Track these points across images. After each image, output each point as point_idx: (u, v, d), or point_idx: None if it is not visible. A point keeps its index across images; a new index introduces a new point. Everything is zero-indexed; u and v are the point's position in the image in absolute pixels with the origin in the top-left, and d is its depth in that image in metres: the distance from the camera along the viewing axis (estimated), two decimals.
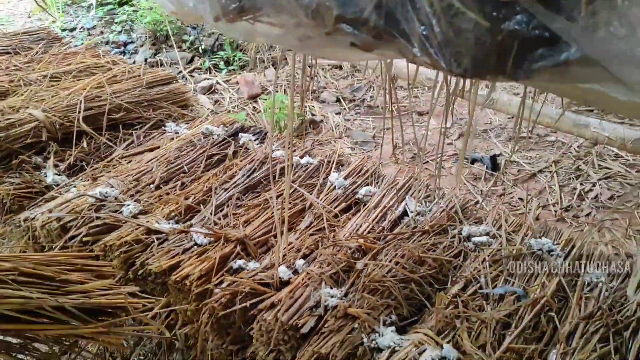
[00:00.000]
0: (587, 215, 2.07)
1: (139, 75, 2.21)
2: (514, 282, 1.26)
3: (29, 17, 5.12)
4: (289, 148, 1.15)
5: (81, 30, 4.48)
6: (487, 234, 1.46)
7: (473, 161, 2.41)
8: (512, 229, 1.49)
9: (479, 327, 1.12)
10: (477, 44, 0.60)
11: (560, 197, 2.16)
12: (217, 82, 3.60)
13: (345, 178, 1.67)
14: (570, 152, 2.47)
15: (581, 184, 2.24)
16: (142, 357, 1.61)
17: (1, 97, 1.96)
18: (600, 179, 2.25)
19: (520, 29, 0.57)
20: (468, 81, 0.99)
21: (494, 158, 2.39)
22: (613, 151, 2.42)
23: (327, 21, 0.68)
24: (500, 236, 1.44)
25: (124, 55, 4.06)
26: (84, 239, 1.39)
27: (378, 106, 3.17)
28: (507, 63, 0.60)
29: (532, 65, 0.59)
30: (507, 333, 1.12)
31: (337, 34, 0.68)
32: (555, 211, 2.11)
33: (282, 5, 0.71)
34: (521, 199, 2.19)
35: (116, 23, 4.44)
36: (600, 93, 0.64)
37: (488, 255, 1.35)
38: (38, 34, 2.66)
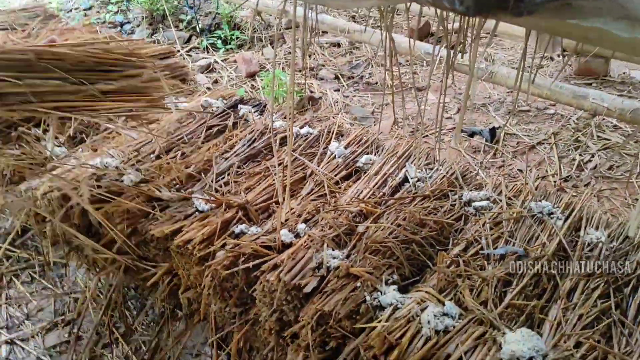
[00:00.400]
0: (587, 185, 2.07)
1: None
2: (514, 243, 1.27)
3: None
4: (290, 115, 1.15)
5: (77, 10, 4.45)
6: (488, 198, 1.46)
7: (472, 134, 2.41)
8: (513, 194, 1.50)
9: (480, 284, 1.12)
10: None
11: (560, 168, 2.16)
12: (215, 61, 3.58)
13: (345, 147, 1.68)
14: (569, 124, 2.47)
15: (580, 155, 2.24)
16: (144, 327, 1.63)
17: None
18: (599, 150, 2.25)
19: None
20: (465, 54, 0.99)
21: (492, 130, 2.39)
22: (612, 122, 2.42)
23: None
24: (501, 201, 1.45)
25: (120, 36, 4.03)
26: (86, 206, 1.39)
27: (377, 82, 3.16)
28: None
29: (534, 0, 0.59)
30: (509, 290, 1.12)
31: None
32: (555, 182, 2.11)
33: None
34: (520, 170, 2.19)
35: (112, 3, 4.41)
36: (602, 31, 0.64)
37: (489, 219, 1.36)
38: (34, 10, 2.64)
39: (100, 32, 2.45)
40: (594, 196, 2.04)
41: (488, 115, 2.63)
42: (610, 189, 2.06)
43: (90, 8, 4.48)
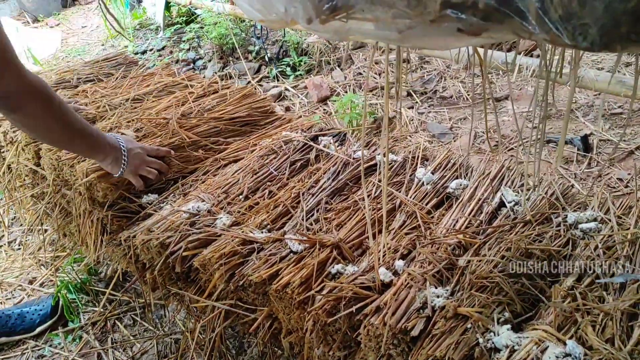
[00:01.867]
0: None
1: (216, 90, 2.27)
2: (634, 269, 1.17)
3: (103, 44, 5.38)
4: (364, 146, 1.12)
5: (152, 52, 4.66)
6: (595, 219, 1.37)
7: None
8: (621, 211, 1.39)
9: (602, 319, 1.04)
10: (606, 13, 0.55)
11: None
12: (286, 89, 3.63)
13: (432, 172, 1.63)
14: None
15: None
16: None
17: (91, 122, 2.05)
18: None
19: None
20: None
21: (585, 138, 2.25)
22: None
23: (430, 8, 0.64)
24: (610, 220, 1.35)
25: (193, 72, 4.18)
26: (183, 253, 1.42)
27: (451, 96, 3.07)
28: None
29: None
30: (636, 324, 1.03)
31: (442, 21, 0.65)
32: None
33: None
34: (620, 180, 2.04)
35: (184, 41, 4.58)
36: None
37: (600, 242, 1.26)
38: (116, 59, 2.78)
39: (178, 73, 2.54)
40: None
41: (577, 121, 2.48)
42: None
43: (163, 48, 4.68)
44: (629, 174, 2.05)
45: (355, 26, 0.77)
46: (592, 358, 0.96)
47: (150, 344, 1.74)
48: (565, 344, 0.99)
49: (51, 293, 2.03)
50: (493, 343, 1.02)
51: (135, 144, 1.70)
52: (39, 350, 1.83)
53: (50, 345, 1.83)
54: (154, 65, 4.20)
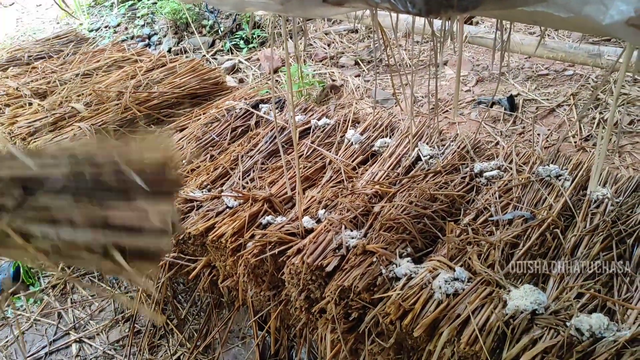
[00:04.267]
0: (608, 142, 2.09)
1: (164, 64, 2.37)
2: (522, 208, 1.34)
3: (58, 22, 5.34)
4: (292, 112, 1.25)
5: (107, 28, 4.67)
6: (499, 168, 1.54)
7: (492, 104, 2.46)
8: (523, 161, 1.56)
9: (488, 249, 1.21)
10: None
11: (580, 128, 2.19)
12: (239, 61, 3.72)
13: (361, 134, 1.77)
14: (588, 84, 2.47)
15: (600, 112, 2.25)
16: (194, 317, 1.78)
17: (41, 98, 2.13)
18: (619, 106, 2.26)
19: None
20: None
21: (511, 98, 2.42)
22: (630, 76, 2.41)
23: None
24: (511, 169, 1.52)
25: (149, 47, 4.22)
26: None
27: (396, 64, 3.21)
28: None
29: None
30: (515, 252, 1.20)
31: None
32: (575, 142, 2.14)
33: None
34: (539, 135, 2.22)
35: (138, 17, 4.60)
36: (545, 13, 0.72)
37: (498, 187, 1.43)
38: (67, 36, 2.84)
39: (128, 49, 2.62)
40: (616, 152, 2.06)
41: (507, 83, 2.66)
42: (631, 143, 2.08)
43: (118, 24, 4.68)
44: (548, 129, 2.24)
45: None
46: (474, 280, 1.13)
47: (108, 302, 1.87)
48: (454, 270, 1.16)
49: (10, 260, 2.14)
50: (394, 273, 1.19)
51: None
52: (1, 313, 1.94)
53: (13, 308, 1.95)
54: (109, 40, 4.23)
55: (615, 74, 2.37)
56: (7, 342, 1.79)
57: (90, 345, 1.74)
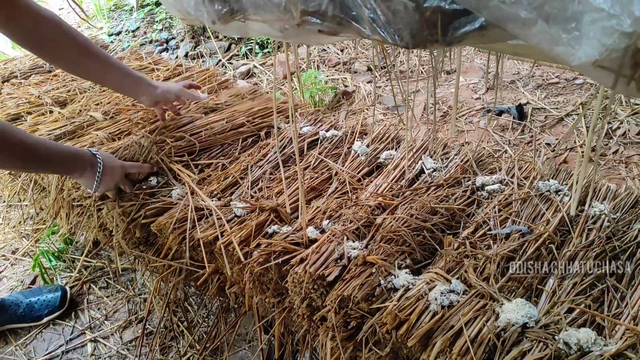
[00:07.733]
0: (615, 152, 2.11)
1: (180, 74, 2.44)
2: (520, 222, 1.38)
3: (79, 27, 5.47)
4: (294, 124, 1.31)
5: (126, 32, 4.77)
6: (500, 182, 1.57)
7: (500, 113, 2.48)
8: (525, 175, 1.59)
9: (484, 262, 1.25)
10: (410, 21, 0.73)
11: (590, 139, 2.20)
12: (254, 66, 3.78)
13: (368, 145, 1.82)
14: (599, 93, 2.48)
15: (609, 122, 2.27)
16: (204, 319, 1.84)
17: (61, 106, 2.22)
18: (628, 116, 2.27)
19: (441, 4, 0.70)
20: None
21: (520, 107, 2.45)
22: None
23: (295, 15, 0.83)
24: (513, 183, 1.55)
25: (167, 52, 4.31)
26: (143, 221, 1.61)
27: (409, 70, 3.25)
28: (436, 33, 0.73)
29: (456, 33, 0.72)
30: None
31: (306, 25, 0.83)
32: (582, 152, 2.16)
33: (260, 5, 0.86)
34: (548, 144, 2.25)
35: (157, 22, 4.70)
36: (527, 46, 0.76)
37: (498, 201, 1.47)
38: None
39: (145, 58, 2.70)
40: (623, 162, 2.08)
41: (517, 91, 2.68)
42: (638, 154, 2.09)
43: (137, 28, 4.79)
44: (556, 139, 2.26)
45: (251, 25, 0.95)
46: (469, 292, 1.18)
47: (122, 303, 1.95)
48: (451, 282, 1.20)
49: (58, 285, 2.19)
50: (393, 284, 1.23)
51: (115, 162, 1.66)
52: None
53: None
54: (128, 45, 4.33)
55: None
56: (26, 340, 1.87)
57: (105, 345, 1.81)
